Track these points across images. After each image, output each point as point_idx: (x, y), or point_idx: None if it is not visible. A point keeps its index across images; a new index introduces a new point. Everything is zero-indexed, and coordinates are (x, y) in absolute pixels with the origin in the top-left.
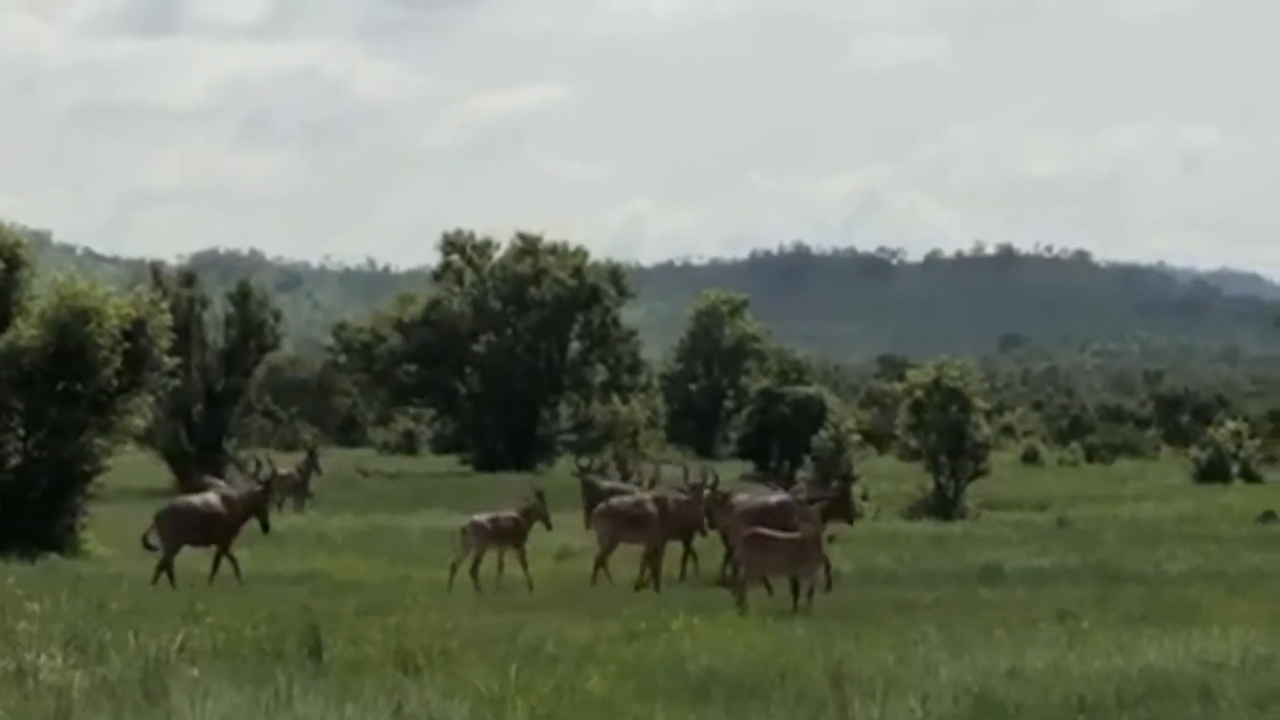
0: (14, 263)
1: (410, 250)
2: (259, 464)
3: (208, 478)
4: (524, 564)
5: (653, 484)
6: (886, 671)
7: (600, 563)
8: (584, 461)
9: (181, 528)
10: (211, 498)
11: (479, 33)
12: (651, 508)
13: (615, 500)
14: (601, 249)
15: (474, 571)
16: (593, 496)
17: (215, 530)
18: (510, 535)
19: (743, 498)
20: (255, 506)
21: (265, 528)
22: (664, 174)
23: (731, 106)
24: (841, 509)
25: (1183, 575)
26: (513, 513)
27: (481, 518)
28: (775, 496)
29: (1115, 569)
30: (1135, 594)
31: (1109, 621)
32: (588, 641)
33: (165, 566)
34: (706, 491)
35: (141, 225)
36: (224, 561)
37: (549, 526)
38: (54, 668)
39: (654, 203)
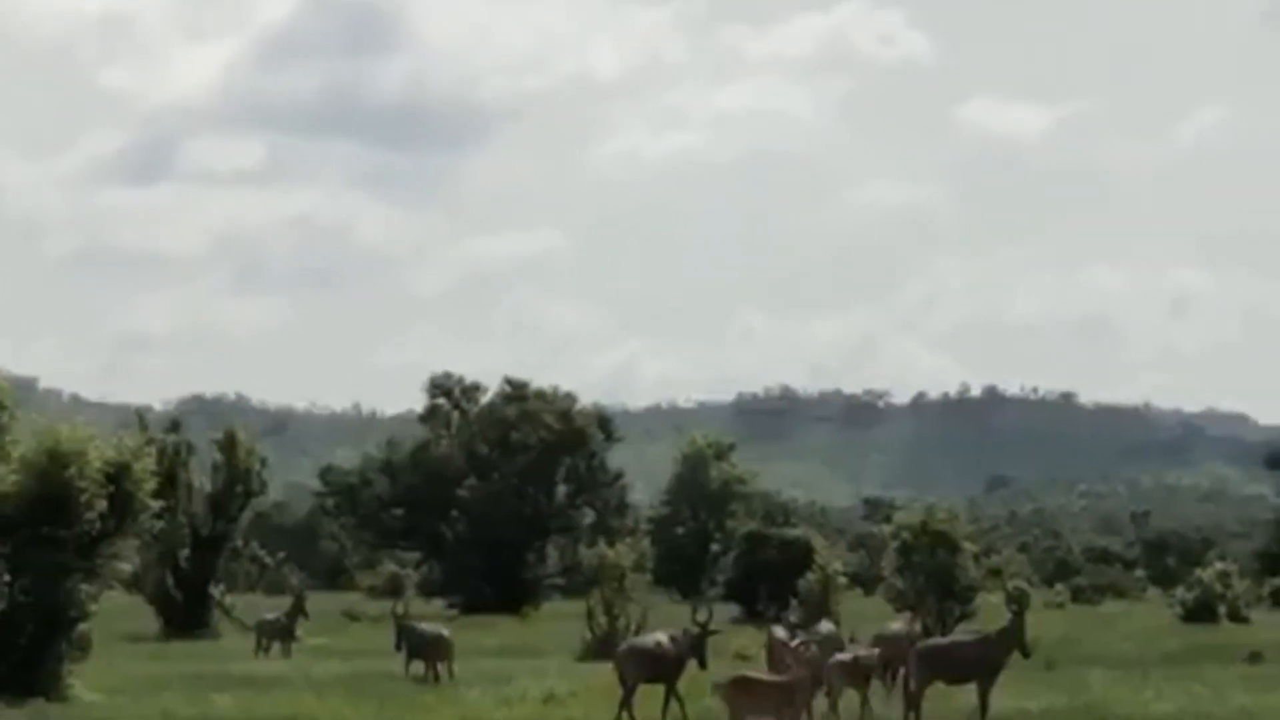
0: None
1: (398, 395)
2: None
3: None
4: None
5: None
6: None
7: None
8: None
9: (639, 667)
10: (662, 638)
11: (471, 180)
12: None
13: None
14: (593, 392)
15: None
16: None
17: (665, 669)
18: (865, 676)
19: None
20: (696, 646)
21: (703, 664)
22: (654, 317)
23: (722, 250)
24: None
25: (1170, 717)
26: (875, 651)
27: (845, 656)
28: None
29: (1102, 711)
30: None
31: None
32: None
33: (626, 705)
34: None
35: (132, 371)
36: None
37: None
38: None
39: (645, 346)
